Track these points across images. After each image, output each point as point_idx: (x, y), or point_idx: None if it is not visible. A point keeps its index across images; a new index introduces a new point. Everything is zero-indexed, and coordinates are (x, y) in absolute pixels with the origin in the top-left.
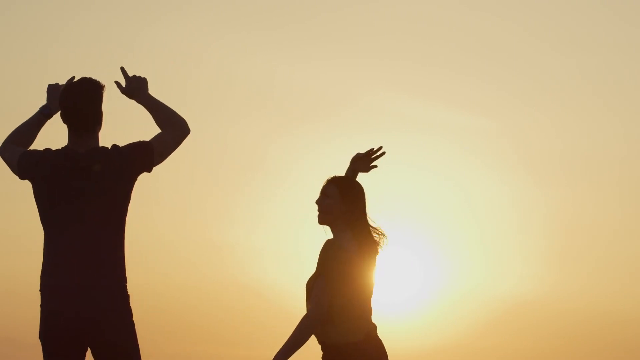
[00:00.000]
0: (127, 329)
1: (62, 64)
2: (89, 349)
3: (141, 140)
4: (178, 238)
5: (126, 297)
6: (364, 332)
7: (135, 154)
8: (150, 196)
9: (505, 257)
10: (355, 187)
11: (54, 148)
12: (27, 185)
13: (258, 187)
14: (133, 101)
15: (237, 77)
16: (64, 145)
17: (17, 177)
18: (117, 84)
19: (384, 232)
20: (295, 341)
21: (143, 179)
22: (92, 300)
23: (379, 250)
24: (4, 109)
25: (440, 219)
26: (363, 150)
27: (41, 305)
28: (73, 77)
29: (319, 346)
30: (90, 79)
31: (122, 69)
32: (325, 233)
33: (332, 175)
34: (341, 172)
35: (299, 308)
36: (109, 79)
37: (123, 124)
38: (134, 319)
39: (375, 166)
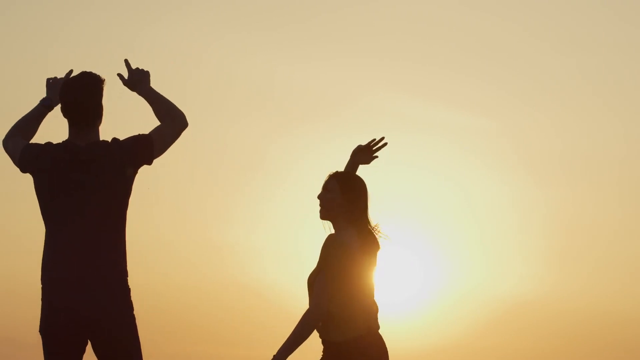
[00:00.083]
0: (127, 323)
1: (62, 63)
2: (89, 342)
3: (140, 133)
4: (178, 238)
5: (127, 290)
6: (365, 329)
7: (136, 147)
8: (150, 196)
9: (505, 257)
10: (357, 182)
11: (55, 142)
12: (27, 185)
13: (258, 187)
14: (132, 96)
15: (237, 77)
16: (64, 139)
17: (16, 177)
18: (120, 76)
19: (381, 231)
20: (297, 337)
21: (143, 179)
22: (92, 294)
23: (380, 246)
24: (4, 108)
25: (440, 219)
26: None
27: (42, 299)
28: (71, 71)
29: (318, 345)
30: (90, 73)
31: (126, 61)
32: (325, 231)
33: (334, 171)
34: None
35: (299, 308)
36: (109, 78)
37: (123, 118)
38: (134, 312)
39: (376, 156)
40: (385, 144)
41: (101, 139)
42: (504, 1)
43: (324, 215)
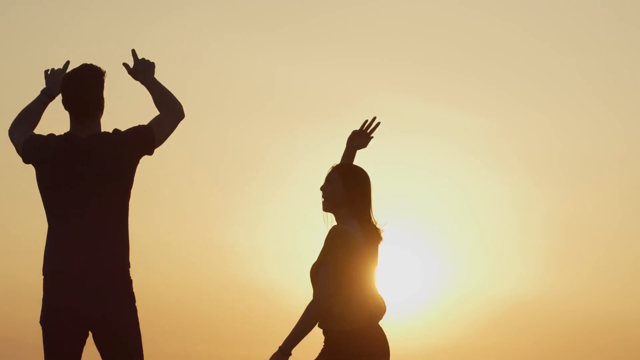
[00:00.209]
0: (128, 315)
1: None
2: (90, 334)
3: (140, 124)
4: (178, 238)
5: (129, 282)
6: (366, 321)
7: (137, 137)
8: (150, 196)
9: (505, 257)
10: (359, 174)
11: (57, 134)
12: (27, 185)
13: (258, 187)
14: (133, 91)
15: (237, 77)
16: (66, 131)
17: (17, 177)
18: (126, 65)
19: (382, 228)
20: (302, 328)
21: (143, 179)
22: (94, 286)
23: (382, 238)
24: (4, 108)
25: (440, 219)
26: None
27: (43, 291)
28: (68, 62)
29: (318, 344)
30: (91, 65)
31: (133, 51)
32: (326, 223)
33: (337, 163)
34: None
35: (299, 308)
36: (109, 78)
37: (125, 110)
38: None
39: (372, 137)
40: (379, 123)
41: (102, 130)
42: (504, 1)
43: (326, 207)
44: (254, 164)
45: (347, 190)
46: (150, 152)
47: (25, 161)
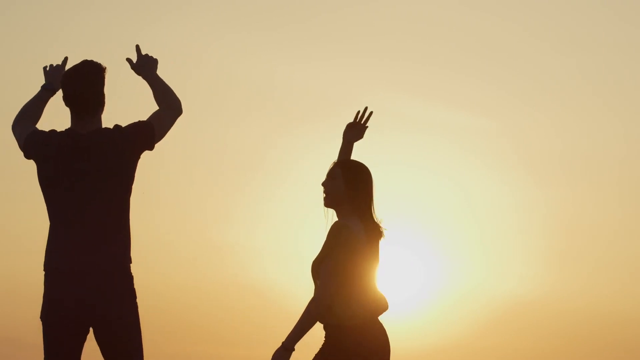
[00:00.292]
0: (129, 311)
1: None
2: (91, 330)
3: (140, 120)
4: (178, 238)
5: (130, 278)
6: (366, 316)
7: (137, 133)
8: (150, 196)
9: (506, 257)
10: (361, 169)
11: (58, 130)
12: (27, 185)
13: (258, 187)
14: (134, 88)
15: (237, 77)
16: (67, 128)
17: (17, 177)
18: (129, 60)
19: (382, 224)
20: (304, 324)
21: (143, 179)
22: (95, 283)
23: (383, 234)
24: (4, 108)
25: (440, 219)
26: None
27: (44, 287)
28: (66, 58)
29: (320, 339)
30: (91, 61)
31: (137, 46)
32: (327, 219)
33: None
34: None
35: (299, 307)
36: (109, 77)
37: (124, 110)
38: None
39: (367, 127)
40: (371, 112)
41: (103, 126)
42: (504, 1)
43: (328, 203)
44: (254, 164)
45: (348, 186)
46: (151, 147)
47: (27, 156)
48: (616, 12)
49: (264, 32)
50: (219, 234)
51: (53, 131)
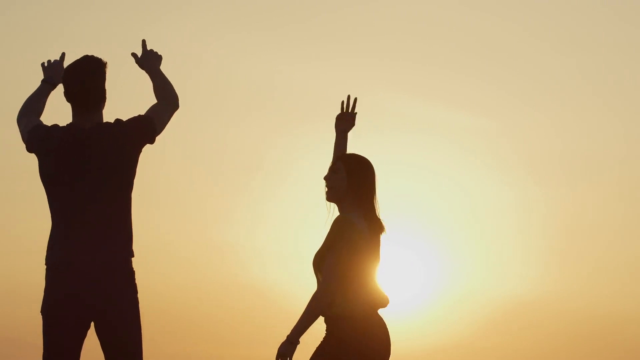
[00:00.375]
0: (129, 305)
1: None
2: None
3: (140, 114)
4: (178, 238)
5: (131, 273)
6: (367, 308)
7: (138, 127)
8: (150, 196)
9: (506, 257)
10: (363, 163)
11: (60, 125)
12: (27, 185)
13: (258, 187)
14: (131, 90)
15: (237, 77)
16: (69, 122)
17: (17, 178)
18: (134, 55)
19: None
20: (308, 317)
21: (143, 179)
22: (97, 277)
23: (385, 229)
24: (4, 108)
25: (440, 219)
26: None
27: (45, 281)
28: (64, 54)
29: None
30: (92, 56)
31: (143, 41)
32: (329, 213)
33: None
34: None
35: (299, 307)
36: (109, 77)
37: (124, 109)
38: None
39: (355, 113)
40: (355, 99)
41: (104, 121)
42: (504, 1)
43: (330, 197)
44: (254, 164)
45: (351, 180)
46: (152, 141)
47: (29, 150)
48: (616, 12)
49: (264, 32)
50: (219, 234)
51: (55, 126)
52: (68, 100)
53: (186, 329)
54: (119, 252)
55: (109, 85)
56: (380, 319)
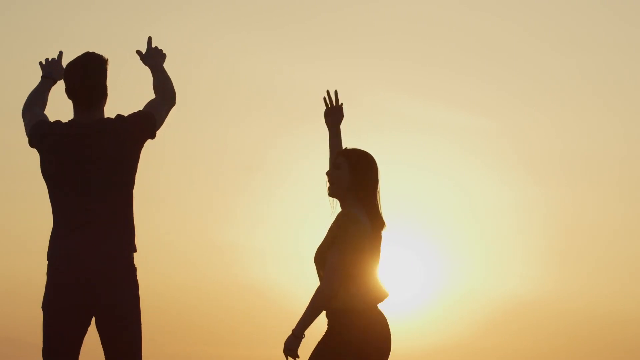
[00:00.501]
0: (130, 300)
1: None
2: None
3: (139, 110)
4: (179, 238)
5: (132, 268)
6: (369, 302)
7: (139, 122)
8: (150, 196)
9: (506, 257)
10: (366, 158)
11: (62, 121)
12: (27, 185)
13: (258, 187)
14: (132, 89)
15: (238, 77)
16: (71, 119)
17: (17, 178)
18: (139, 52)
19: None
20: (312, 311)
21: (143, 178)
22: (98, 272)
23: (386, 224)
24: (4, 109)
25: (440, 219)
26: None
27: (47, 276)
28: (61, 52)
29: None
30: (93, 53)
31: (149, 38)
32: (331, 208)
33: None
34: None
35: (299, 307)
36: (110, 77)
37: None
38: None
39: (342, 104)
40: (335, 91)
41: (105, 116)
42: (504, 1)
43: (332, 193)
44: (254, 164)
45: (353, 175)
46: (153, 136)
47: (31, 144)
48: (616, 12)
49: (264, 32)
50: (219, 234)
51: (57, 122)
52: (69, 97)
53: (186, 329)
54: (121, 247)
55: (110, 83)
56: (381, 313)
